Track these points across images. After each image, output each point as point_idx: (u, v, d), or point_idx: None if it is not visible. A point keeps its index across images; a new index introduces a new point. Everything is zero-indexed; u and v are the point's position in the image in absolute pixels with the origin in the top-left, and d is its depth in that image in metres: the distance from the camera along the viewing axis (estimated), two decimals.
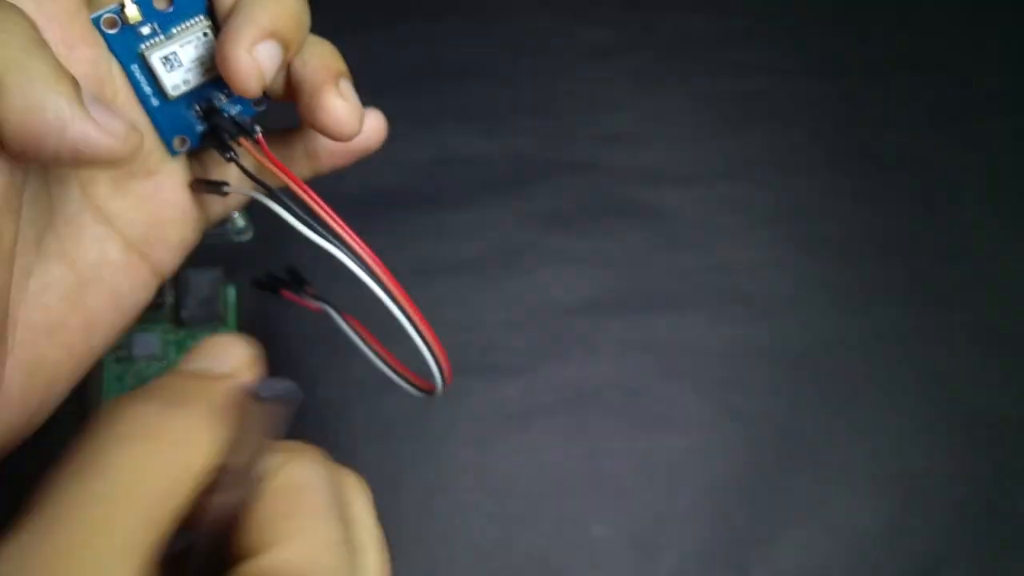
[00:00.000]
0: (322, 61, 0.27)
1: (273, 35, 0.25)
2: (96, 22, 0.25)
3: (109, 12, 0.25)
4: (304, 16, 0.26)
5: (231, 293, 0.46)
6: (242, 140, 0.28)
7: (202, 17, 0.27)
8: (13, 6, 0.22)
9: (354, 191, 0.47)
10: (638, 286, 0.51)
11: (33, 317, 0.25)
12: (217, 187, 0.29)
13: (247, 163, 0.28)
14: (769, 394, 0.48)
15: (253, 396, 0.20)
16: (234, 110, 0.29)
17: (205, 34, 0.27)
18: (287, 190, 0.27)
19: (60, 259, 0.26)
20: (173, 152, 0.29)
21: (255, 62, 0.25)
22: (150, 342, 0.44)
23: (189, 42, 0.27)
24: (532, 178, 0.54)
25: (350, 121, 0.27)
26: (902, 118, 0.58)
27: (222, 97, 0.28)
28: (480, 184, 0.53)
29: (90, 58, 0.25)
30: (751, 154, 0.56)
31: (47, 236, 0.26)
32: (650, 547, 0.44)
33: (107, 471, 0.18)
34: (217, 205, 0.31)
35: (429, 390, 0.31)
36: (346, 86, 0.27)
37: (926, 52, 0.60)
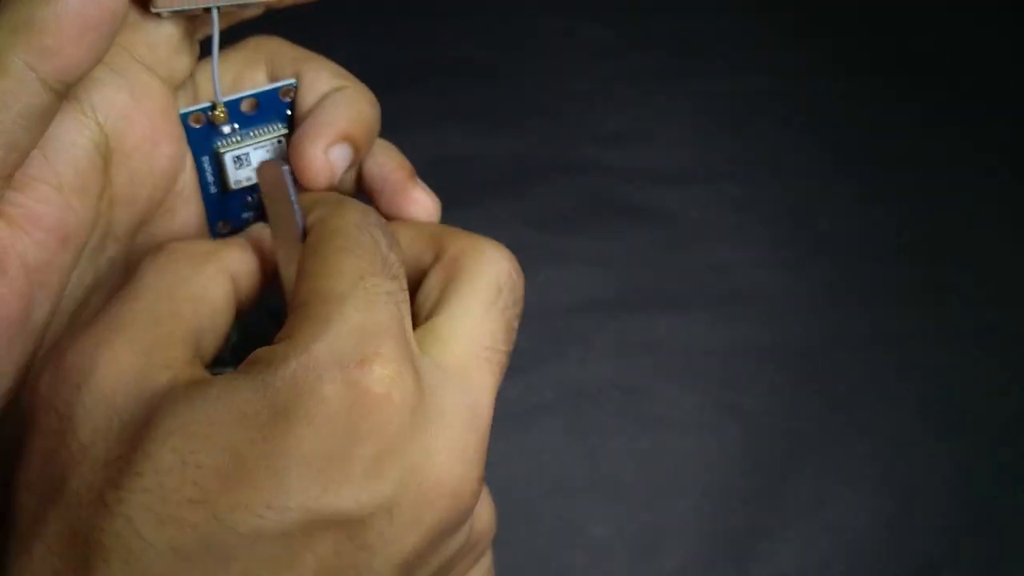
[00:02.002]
0: (396, 162, 0.29)
1: (347, 139, 0.26)
2: (184, 118, 0.26)
3: (198, 110, 0.26)
4: (376, 123, 0.28)
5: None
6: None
7: (281, 125, 0.28)
8: None
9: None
10: (638, 286, 0.51)
11: None
12: None
13: None
14: (769, 394, 0.48)
15: (263, 165, 0.24)
16: None
17: (280, 140, 0.28)
18: None
19: None
20: (215, 235, 0.29)
21: (328, 161, 0.26)
22: None
23: (262, 146, 0.28)
24: (532, 178, 0.54)
25: (435, 209, 0.29)
26: (902, 118, 0.58)
27: None
28: (480, 184, 0.53)
29: (171, 155, 0.26)
30: (751, 154, 0.56)
31: (80, 312, 0.26)
32: (650, 547, 0.44)
33: (145, 290, 0.22)
34: None
35: None
36: (420, 183, 0.30)
37: (926, 52, 0.60)
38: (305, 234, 0.23)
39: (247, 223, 0.30)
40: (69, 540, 0.19)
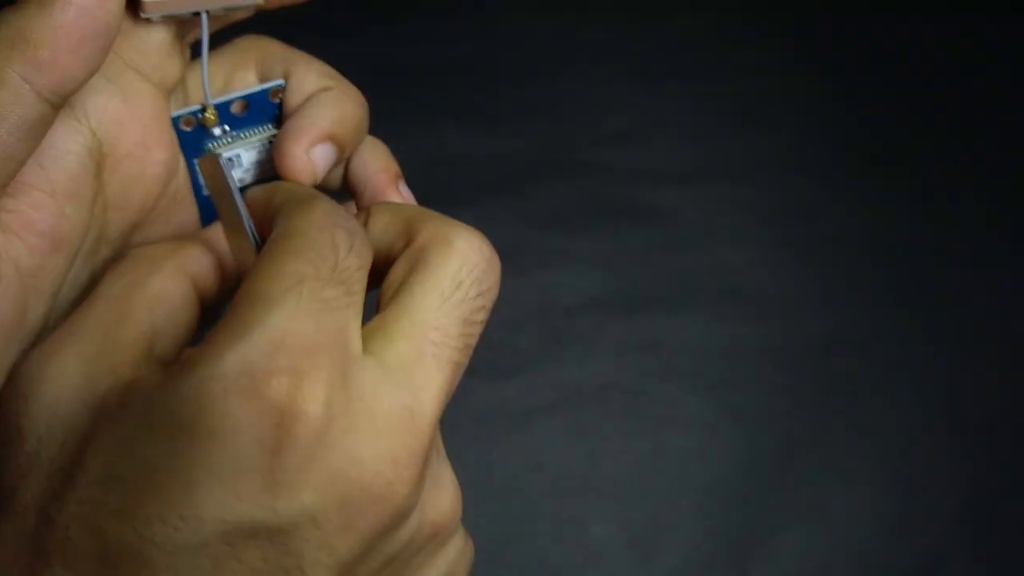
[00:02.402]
0: (380, 164, 0.29)
1: (331, 139, 0.26)
2: (175, 121, 0.26)
3: (189, 113, 0.26)
4: (363, 123, 0.28)
5: None
6: None
7: (271, 126, 0.28)
8: None
9: (341, 188, 0.47)
10: (638, 286, 0.51)
11: None
12: None
13: None
14: (769, 394, 0.48)
15: (201, 159, 0.24)
16: None
17: (270, 142, 0.28)
18: None
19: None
20: None
21: (310, 162, 0.26)
22: None
23: (254, 147, 0.28)
24: (532, 178, 0.54)
25: None
26: (902, 118, 0.58)
27: None
28: (480, 184, 0.53)
29: (164, 160, 0.26)
30: (751, 154, 0.56)
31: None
32: (650, 547, 0.44)
33: (99, 297, 0.23)
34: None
35: None
36: (403, 187, 0.29)
37: (926, 52, 0.60)
38: (253, 229, 0.24)
39: None
40: (15, 553, 0.20)
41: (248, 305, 0.20)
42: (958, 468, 0.47)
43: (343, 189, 0.30)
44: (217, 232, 0.25)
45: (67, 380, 0.21)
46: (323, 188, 0.31)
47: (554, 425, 0.47)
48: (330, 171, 0.27)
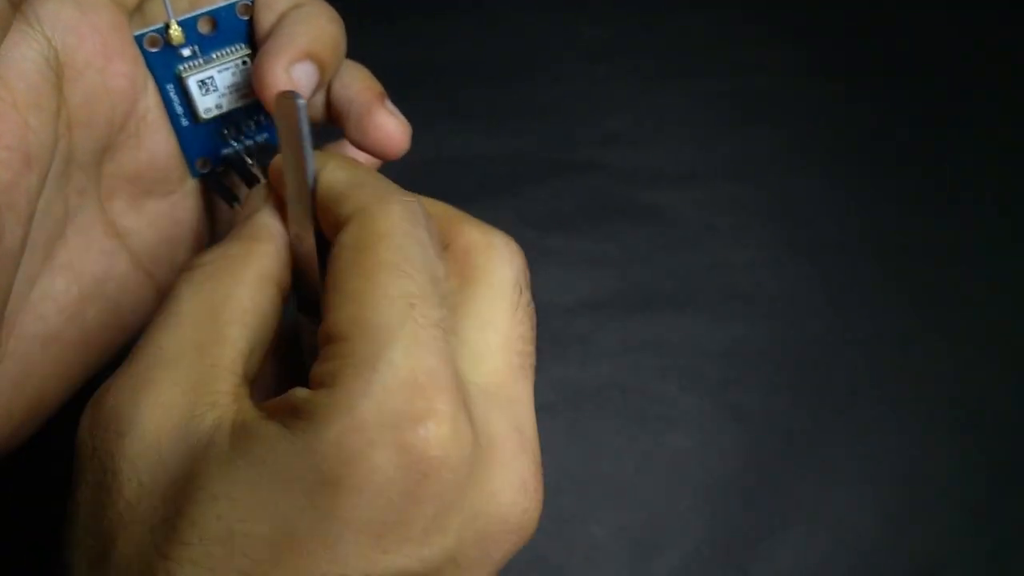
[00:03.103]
0: (364, 83, 0.27)
1: (310, 56, 0.25)
2: (139, 40, 0.25)
3: (153, 31, 0.26)
4: (341, 40, 0.26)
5: None
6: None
7: (243, 45, 0.27)
8: None
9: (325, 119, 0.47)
10: (638, 286, 0.51)
11: (29, 328, 0.25)
12: (228, 195, 0.29)
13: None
14: (769, 394, 0.48)
15: (279, 96, 0.22)
16: (261, 138, 0.29)
17: (244, 62, 0.27)
18: None
19: (65, 270, 0.26)
20: (195, 173, 0.28)
21: (292, 81, 0.25)
22: None
23: (227, 68, 0.27)
24: (532, 178, 0.54)
25: (402, 137, 0.27)
26: (902, 118, 0.57)
27: (252, 124, 0.29)
28: (480, 184, 0.53)
29: (126, 72, 0.25)
30: (751, 154, 0.56)
31: (56, 246, 0.26)
32: (650, 547, 0.44)
33: (186, 316, 0.21)
34: (226, 225, 0.30)
35: None
36: (390, 104, 0.27)
37: (926, 52, 0.60)
38: (313, 188, 0.22)
39: (225, 160, 0.29)
40: None
41: (364, 340, 0.19)
42: (958, 468, 0.47)
43: (327, 119, 0.28)
44: (272, 220, 0.23)
45: (167, 414, 0.19)
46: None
47: (554, 425, 0.47)
48: (312, 95, 0.26)
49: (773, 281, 0.52)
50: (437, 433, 0.18)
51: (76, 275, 0.26)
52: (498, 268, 0.23)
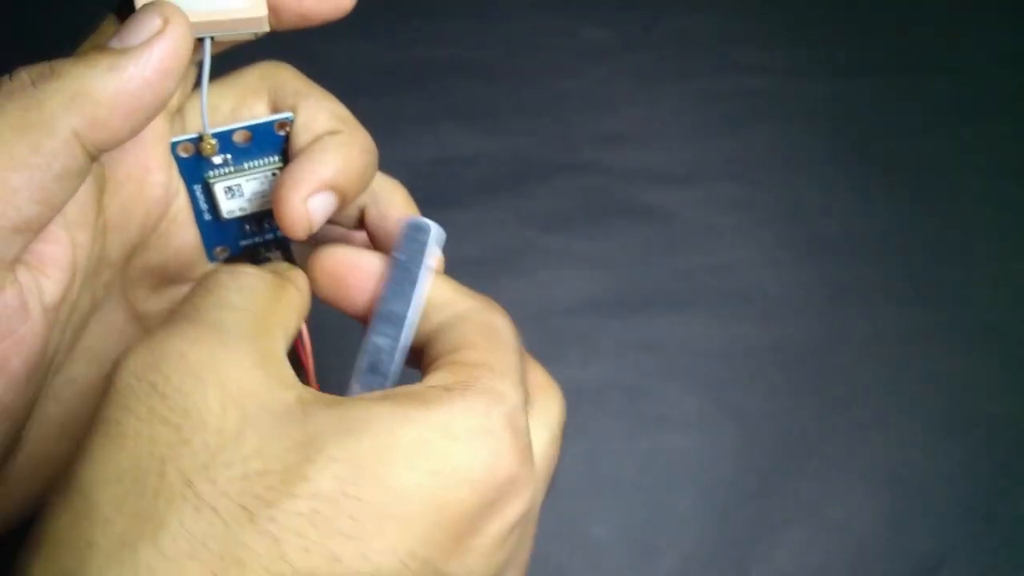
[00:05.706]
0: (400, 212, 0.29)
1: (332, 188, 0.26)
2: (173, 147, 0.26)
3: (186, 140, 0.26)
4: (368, 169, 0.27)
5: None
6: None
7: (276, 158, 0.27)
8: None
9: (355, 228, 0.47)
10: (638, 286, 0.51)
11: (49, 411, 0.25)
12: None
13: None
14: (769, 394, 0.48)
15: (411, 221, 0.26)
16: (280, 233, 0.29)
17: (274, 174, 0.28)
18: None
19: (85, 354, 0.26)
20: (212, 259, 0.29)
21: (306, 212, 0.25)
22: None
23: (256, 177, 0.27)
24: (532, 178, 0.54)
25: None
26: (901, 118, 0.58)
27: (272, 222, 0.29)
28: (480, 184, 0.53)
29: (163, 183, 0.26)
30: (751, 154, 0.56)
31: (81, 336, 0.26)
32: (650, 547, 0.44)
33: (246, 303, 0.23)
34: None
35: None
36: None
37: (925, 52, 0.60)
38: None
39: (244, 250, 0.29)
40: (190, 550, 0.18)
41: (495, 375, 0.23)
42: (958, 468, 0.47)
43: (355, 228, 0.29)
44: (294, 274, 0.26)
45: (250, 379, 0.20)
46: (335, 224, 0.30)
47: None
48: (336, 213, 0.27)
49: (773, 281, 0.52)
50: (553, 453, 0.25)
51: (96, 359, 0.26)
52: (553, 405, 0.27)
